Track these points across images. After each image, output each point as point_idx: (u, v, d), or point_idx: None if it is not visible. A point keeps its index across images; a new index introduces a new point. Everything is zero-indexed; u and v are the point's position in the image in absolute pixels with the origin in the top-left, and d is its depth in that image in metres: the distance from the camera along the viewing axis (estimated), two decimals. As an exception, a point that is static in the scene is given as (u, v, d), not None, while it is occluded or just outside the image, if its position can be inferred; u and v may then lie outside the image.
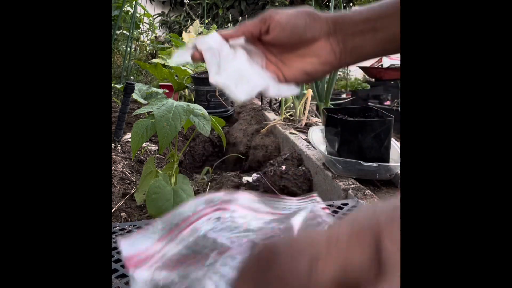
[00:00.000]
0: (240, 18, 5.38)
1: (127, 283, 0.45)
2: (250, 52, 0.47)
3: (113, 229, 0.57)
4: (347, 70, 6.27)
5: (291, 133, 1.75)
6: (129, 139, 1.76)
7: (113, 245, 0.52)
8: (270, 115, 2.20)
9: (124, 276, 0.46)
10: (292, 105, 2.10)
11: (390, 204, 0.23)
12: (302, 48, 0.45)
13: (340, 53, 0.44)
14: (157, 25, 7.02)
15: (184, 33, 3.58)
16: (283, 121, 1.95)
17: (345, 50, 0.44)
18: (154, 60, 2.68)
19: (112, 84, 2.03)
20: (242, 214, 0.40)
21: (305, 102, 1.90)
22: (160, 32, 6.41)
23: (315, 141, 1.44)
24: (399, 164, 1.20)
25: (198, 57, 0.46)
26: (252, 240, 0.35)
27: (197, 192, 1.27)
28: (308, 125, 1.88)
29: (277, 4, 8.04)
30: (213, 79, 0.44)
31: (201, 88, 2.42)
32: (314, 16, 0.44)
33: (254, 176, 1.38)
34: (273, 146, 1.85)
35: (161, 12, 8.33)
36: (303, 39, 0.44)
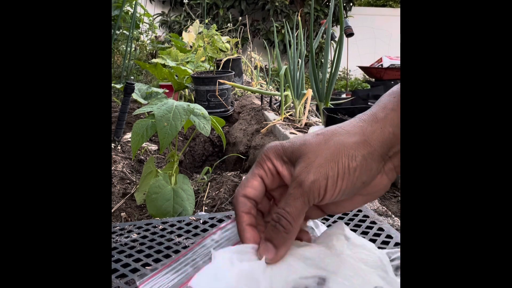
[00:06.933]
0: (240, 18, 5.38)
1: (127, 283, 0.45)
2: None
3: (113, 229, 0.57)
4: (347, 70, 6.29)
5: (291, 133, 1.75)
6: (129, 139, 1.76)
7: (113, 245, 0.52)
8: (270, 115, 2.20)
9: (124, 276, 0.46)
10: (292, 105, 2.11)
11: None
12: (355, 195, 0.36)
13: (397, 173, 0.36)
14: (157, 25, 7.02)
15: (184, 33, 3.58)
16: (283, 121, 1.95)
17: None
18: (154, 60, 2.68)
19: (112, 84, 2.03)
20: None
21: (305, 102, 1.90)
22: (160, 32, 6.41)
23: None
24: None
25: None
26: None
27: (197, 192, 1.27)
28: (308, 125, 1.88)
29: (277, 4, 8.04)
30: None
31: (201, 88, 2.42)
32: (371, 155, 0.34)
33: (254, 176, 1.38)
34: (273, 146, 1.84)
35: (161, 12, 8.33)
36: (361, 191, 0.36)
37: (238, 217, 0.36)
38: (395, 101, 0.34)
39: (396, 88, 0.36)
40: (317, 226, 0.45)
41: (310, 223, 0.45)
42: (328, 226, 0.52)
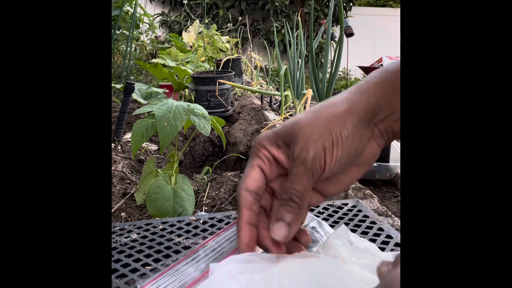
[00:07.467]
0: (240, 18, 5.37)
1: (127, 283, 0.45)
2: None
3: (113, 229, 0.57)
4: (347, 70, 6.29)
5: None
6: (129, 139, 1.76)
7: (113, 245, 0.52)
8: (270, 115, 2.20)
9: (124, 276, 0.46)
10: (292, 105, 2.10)
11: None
12: (348, 167, 0.37)
13: (388, 140, 0.38)
14: (157, 25, 7.02)
15: (184, 33, 3.58)
16: (283, 121, 1.94)
17: (393, 135, 0.37)
18: (154, 60, 2.68)
19: (112, 84, 2.03)
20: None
21: (305, 102, 1.90)
22: (160, 32, 6.41)
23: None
24: (399, 164, 1.20)
25: None
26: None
27: (197, 192, 1.27)
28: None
29: (277, 4, 8.04)
30: None
31: (201, 88, 2.42)
32: (360, 122, 0.36)
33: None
34: (273, 146, 1.84)
35: (161, 12, 8.33)
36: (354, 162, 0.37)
37: (239, 213, 0.36)
38: (379, 76, 0.37)
39: (385, 66, 0.38)
40: (321, 226, 0.45)
41: (314, 222, 0.45)
42: (331, 225, 0.52)
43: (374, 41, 8.83)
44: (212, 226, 0.58)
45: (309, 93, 1.86)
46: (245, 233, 0.35)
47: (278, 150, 0.37)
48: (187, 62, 2.86)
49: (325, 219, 0.58)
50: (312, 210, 0.62)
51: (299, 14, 2.88)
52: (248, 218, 0.36)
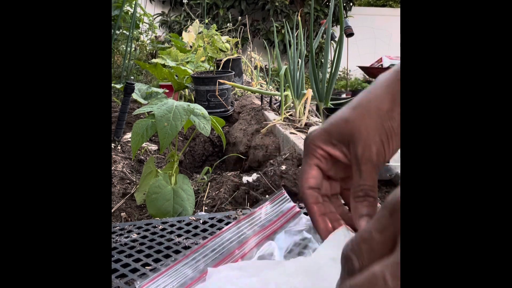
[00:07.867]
0: (240, 18, 5.37)
1: (127, 283, 0.45)
2: None
3: (113, 229, 0.57)
4: (347, 70, 6.29)
5: (291, 133, 1.75)
6: (129, 139, 1.76)
7: (113, 245, 0.52)
8: (270, 115, 2.20)
9: (124, 276, 0.46)
10: (292, 105, 2.10)
11: None
12: None
13: None
14: (157, 25, 7.02)
15: (184, 33, 3.58)
16: (283, 121, 1.94)
17: None
18: (154, 60, 2.68)
19: (112, 84, 2.03)
20: None
21: (305, 102, 1.90)
22: (160, 32, 6.41)
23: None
24: (399, 164, 1.20)
25: None
26: None
27: (197, 192, 1.27)
28: (308, 125, 1.88)
29: (277, 4, 8.04)
30: None
31: (201, 88, 2.42)
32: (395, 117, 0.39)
33: (254, 176, 1.38)
34: (273, 146, 1.84)
35: (161, 12, 8.33)
36: None
37: (310, 209, 0.39)
38: None
39: None
40: None
41: None
42: None
43: (374, 41, 8.83)
44: (212, 226, 0.58)
45: (309, 93, 1.86)
46: (322, 224, 0.39)
47: (334, 148, 0.39)
48: (187, 62, 2.86)
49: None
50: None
51: (299, 14, 2.88)
52: (319, 211, 0.39)
